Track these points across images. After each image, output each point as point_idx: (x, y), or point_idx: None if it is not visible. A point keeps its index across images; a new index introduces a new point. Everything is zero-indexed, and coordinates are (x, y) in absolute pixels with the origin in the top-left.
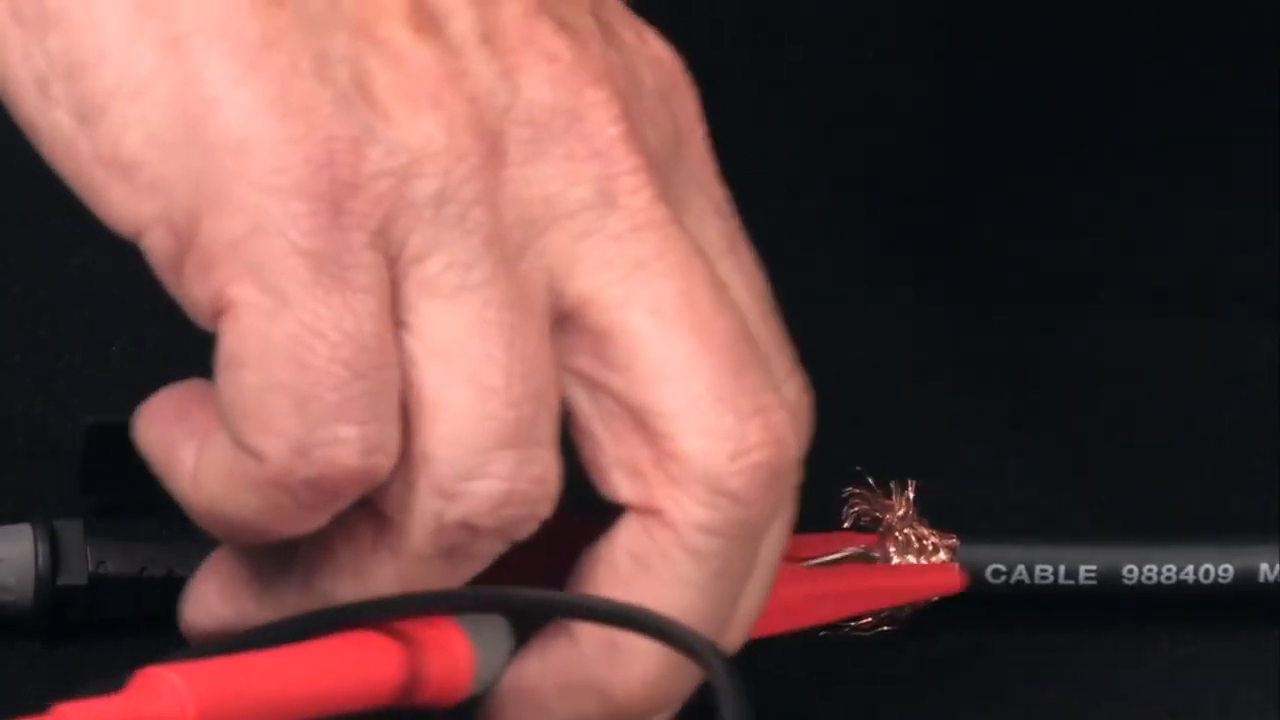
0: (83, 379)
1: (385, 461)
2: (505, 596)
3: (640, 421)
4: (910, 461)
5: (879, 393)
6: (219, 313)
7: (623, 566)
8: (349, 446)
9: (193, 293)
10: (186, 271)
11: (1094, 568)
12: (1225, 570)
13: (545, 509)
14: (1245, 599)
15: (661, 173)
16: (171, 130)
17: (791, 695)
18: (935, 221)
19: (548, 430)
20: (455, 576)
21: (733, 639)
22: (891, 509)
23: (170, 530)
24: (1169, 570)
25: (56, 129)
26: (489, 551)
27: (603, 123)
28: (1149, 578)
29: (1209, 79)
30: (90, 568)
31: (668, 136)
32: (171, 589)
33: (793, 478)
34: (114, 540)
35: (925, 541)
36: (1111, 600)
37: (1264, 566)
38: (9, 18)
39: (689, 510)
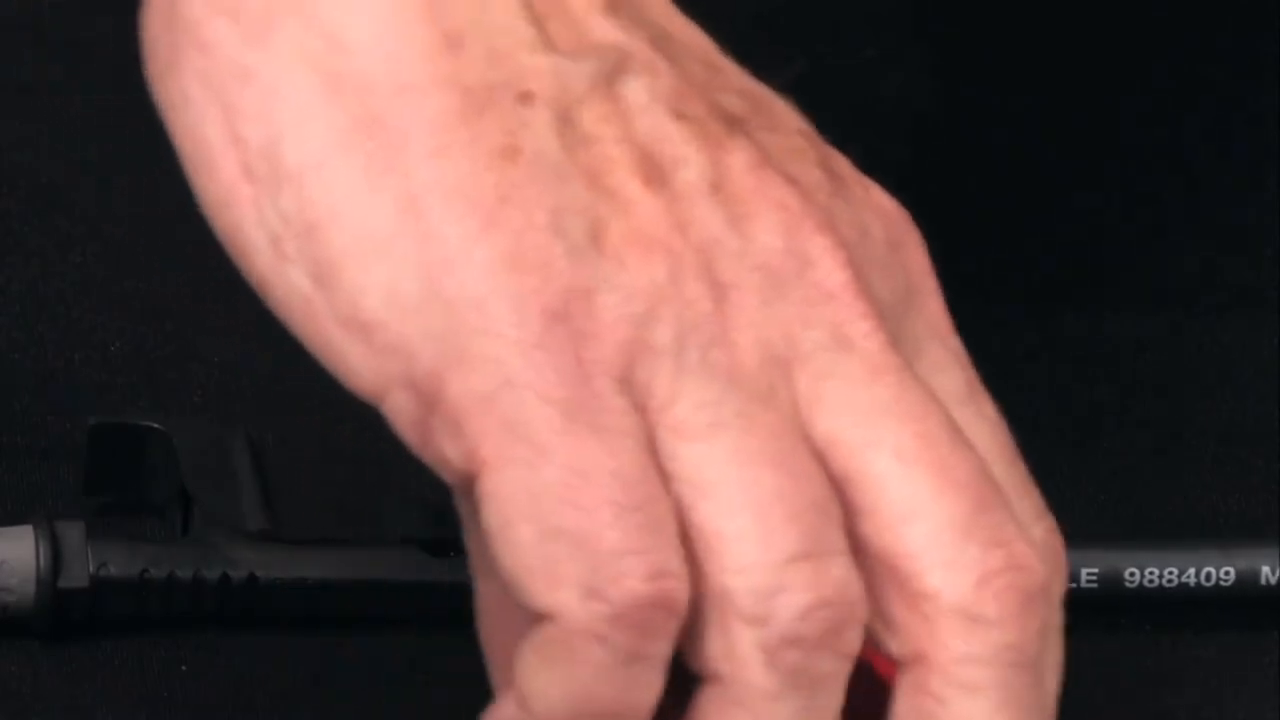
0: (83, 379)
1: (676, 585)
2: None
3: (889, 566)
4: None
5: None
6: (473, 473)
7: None
8: (636, 576)
9: (444, 453)
10: (435, 433)
11: (1095, 570)
12: (1226, 573)
13: (859, 611)
14: (1246, 602)
15: (892, 321)
16: (411, 290)
17: None
18: (934, 222)
19: (835, 537)
20: (816, 711)
21: None
22: None
23: (172, 531)
24: (1170, 573)
25: (292, 288)
26: (831, 670)
27: (832, 268)
28: (1150, 581)
29: (1209, 79)
30: (91, 569)
31: (899, 287)
32: (173, 590)
33: (1048, 605)
34: (115, 542)
35: None
36: (1112, 603)
37: (1265, 570)
38: (240, 174)
39: (950, 646)
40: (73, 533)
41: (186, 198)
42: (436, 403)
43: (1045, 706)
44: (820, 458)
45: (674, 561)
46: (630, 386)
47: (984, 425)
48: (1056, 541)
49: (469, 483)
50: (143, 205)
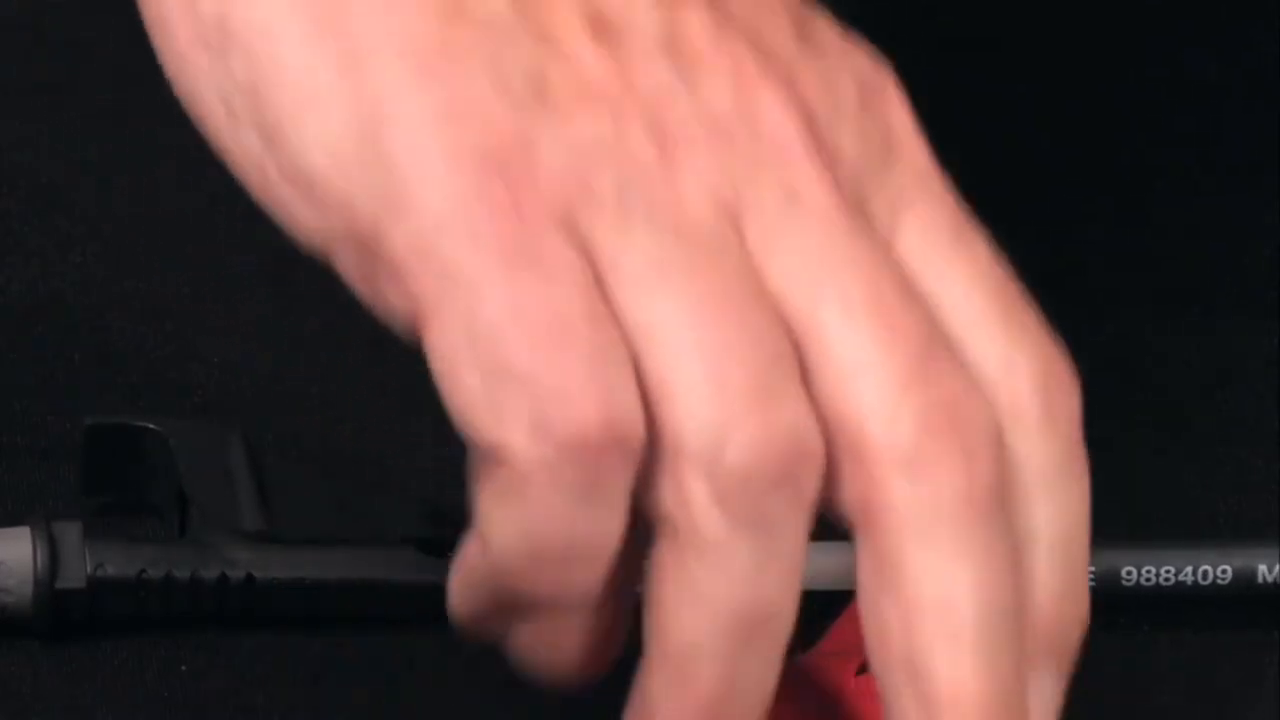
0: (83, 379)
1: (627, 420)
2: None
3: (836, 425)
4: None
5: None
6: (418, 323)
7: (870, 587)
8: (582, 411)
9: (391, 305)
10: (381, 285)
11: (1093, 569)
12: (1224, 572)
13: (814, 457)
14: (1244, 601)
15: (860, 177)
16: (349, 145)
17: None
18: None
19: (790, 385)
20: (773, 558)
21: (1049, 619)
22: None
23: (170, 532)
24: (1168, 572)
25: (245, 149)
26: (786, 515)
27: (782, 123)
28: (1148, 579)
29: (1209, 78)
30: (89, 570)
31: (874, 143)
32: (171, 591)
33: (999, 450)
34: (113, 542)
35: None
36: (1110, 601)
37: (1262, 568)
38: (195, 40)
39: (896, 496)
40: (70, 533)
41: (186, 198)
42: (378, 255)
43: (1016, 557)
44: (776, 313)
45: (625, 397)
46: (573, 235)
47: (970, 260)
48: (1047, 359)
49: (417, 335)
50: (143, 205)
